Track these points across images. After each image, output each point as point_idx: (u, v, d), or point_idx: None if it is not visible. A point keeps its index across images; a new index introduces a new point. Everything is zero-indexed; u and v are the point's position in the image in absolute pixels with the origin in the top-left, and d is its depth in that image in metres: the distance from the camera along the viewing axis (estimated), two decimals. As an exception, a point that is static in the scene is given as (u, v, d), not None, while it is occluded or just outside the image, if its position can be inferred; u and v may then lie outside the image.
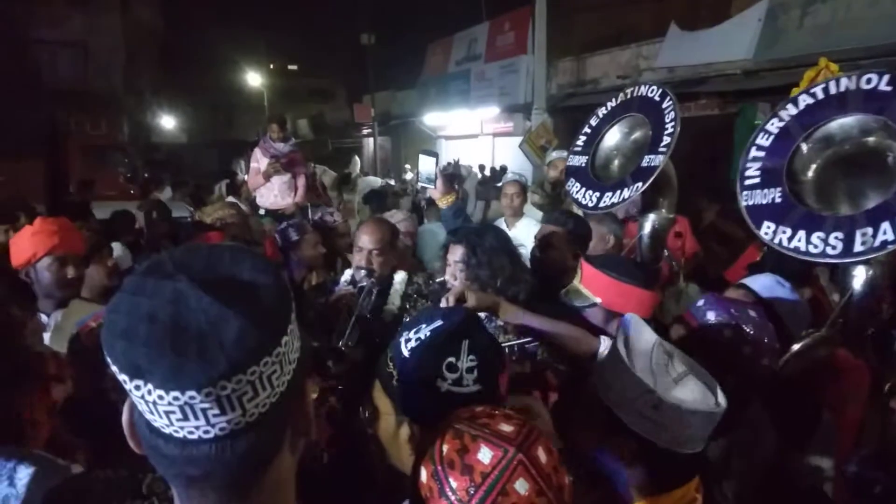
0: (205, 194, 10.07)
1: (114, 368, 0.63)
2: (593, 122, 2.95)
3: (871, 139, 2.32)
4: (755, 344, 1.66)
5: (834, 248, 2.16)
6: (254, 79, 31.96)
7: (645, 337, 1.30)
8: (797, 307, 2.25)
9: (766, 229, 2.38)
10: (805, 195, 2.41)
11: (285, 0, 36.71)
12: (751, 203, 2.49)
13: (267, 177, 6.08)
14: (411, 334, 1.26)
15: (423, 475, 0.96)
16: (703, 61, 11.02)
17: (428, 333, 1.25)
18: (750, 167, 2.56)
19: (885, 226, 2.09)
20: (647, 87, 2.77)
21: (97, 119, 15.57)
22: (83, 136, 14.59)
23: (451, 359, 1.22)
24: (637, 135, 2.79)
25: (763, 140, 2.59)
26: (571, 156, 3.00)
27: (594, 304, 1.91)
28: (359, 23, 22.52)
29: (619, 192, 2.69)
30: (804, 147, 2.46)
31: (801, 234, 2.27)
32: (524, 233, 3.61)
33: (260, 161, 6.14)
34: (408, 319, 2.41)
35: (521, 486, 0.91)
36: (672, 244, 4.33)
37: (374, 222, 2.84)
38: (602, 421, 1.25)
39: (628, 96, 2.84)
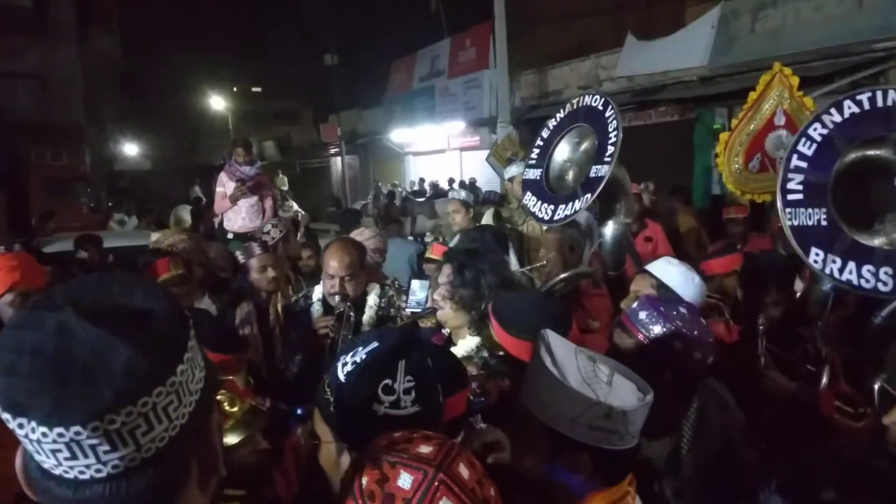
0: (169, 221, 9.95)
1: None
2: (545, 133, 2.98)
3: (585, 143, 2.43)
4: (686, 339, 1.71)
5: (885, 284, 2.10)
6: (217, 102, 31.73)
7: (565, 349, 1.31)
8: (691, 287, 2.34)
9: (815, 256, 2.24)
10: (848, 215, 2.26)
11: (246, 23, 36.57)
12: (796, 224, 2.31)
13: (234, 200, 6.05)
14: (348, 358, 1.22)
15: None
16: (661, 69, 11.27)
17: (363, 356, 1.21)
18: (792, 179, 2.35)
19: (570, 205, 2.17)
20: (591, 96, 2.81)
21: (58, 150, 15.27)
22: (44, 168, 14.31)
23: (388, 381, 1.17)
24: (586, 145, 2.84)
25: (805, 148, 2.36)
26: (527, 169, 3.04)
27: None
28: (321, 43, 22.55)
29: (570, 204, 2.70)
30: (847, 161, 2.29)
31: (852, 265, 2.16)
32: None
33: (226, 185, 6.11)
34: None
35: None
36: (642, 249, 4.42)
37: (341, 246, 2.75)
38: (546, 440, 1.24)
39: (574, 107, 2.87)
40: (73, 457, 0.60)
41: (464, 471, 0.94)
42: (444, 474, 0.91)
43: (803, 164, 2.35)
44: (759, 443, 1.99)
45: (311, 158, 27.69)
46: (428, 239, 6.63)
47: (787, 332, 2.60)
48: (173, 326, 0.66)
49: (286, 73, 33.45)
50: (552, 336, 1.34)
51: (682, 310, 1.81)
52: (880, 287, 2.11)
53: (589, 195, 2.60)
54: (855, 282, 2.17)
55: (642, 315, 1.77)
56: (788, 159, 2.41)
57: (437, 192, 15.92)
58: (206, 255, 4.10)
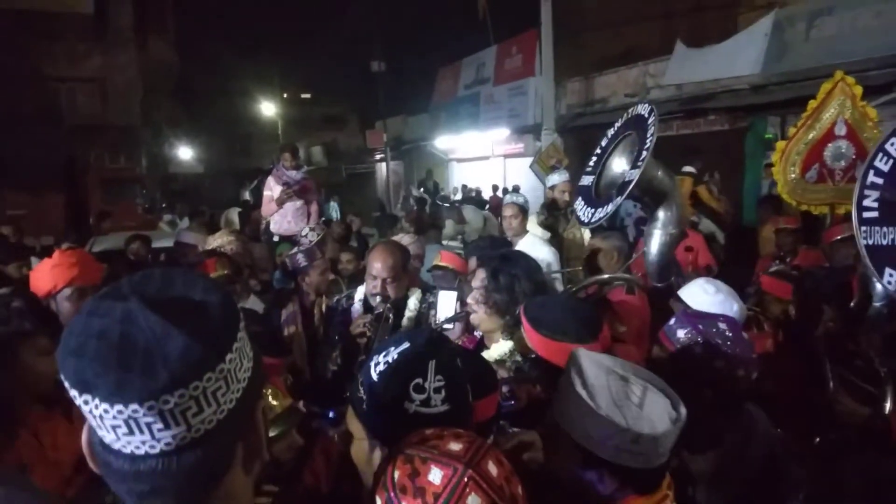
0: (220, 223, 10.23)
1: (66, 384, 0.67)
2: (603, 142, 3.01)
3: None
4: (727, 357, 1.68)
5: (588, 218, 2.26)
6: (268, 108, 32.45)
7: (596, 369, 1.29)
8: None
9: (889, 277, 2.16)
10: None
11: (297, 31, 37.38)
12: (870, 243, 2.23)
13: (280, 203, 6.18)
14: (380, 357, 1.26)
15: (378, 503, 0.97)
16: (711, 77, 11.05)
17: (395, 356, 1.24)
18: (868, 196, 2.26)
19: (604, 208, 2.13)
20: (642, 105, 2.81)
21: (115, 152, 15.92)
22: (102, 170, 14.91)
23: (419, 380, 1.21)
24: (635, 153, 2.86)
25: (882, 163, 2.26)
26: (583, 176, 3.06)
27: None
28: (369, 51, 22.87)
29: (605, 206, 2.73)
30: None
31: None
32: (527, 251, 3.65)
33: (273, 189, 6.25)
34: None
35: (474, 501, 0.92)
36: (682, 258, 4.35)
37: (385, 249, 2.80)
38: (577, 452, 1.24)
39: (629, 115, 2.89)
40: (131, 432, 0.66)
41: (492, 468, 0.97)
42: (473, 471, 0.94)
43: (879, 181, 2.25)
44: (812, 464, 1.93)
45: (357, 164, 28.07)
46: (453, 244, 6.64)
47: (843, 352, 2.50)
48: (226, 319, 0.72)
49: (334, 80, 34.07)
50: (584, 355, 1.32)
51: (722, 326, 1.77)
52: None
53: (619, 197, 2.61)
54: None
55: (680, 333, 1.74)
56: (865, 175, 2.30)
57: (465, 198, 15.96)
58: (251, 256, 4.22)
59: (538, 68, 14.40)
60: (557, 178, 5.18)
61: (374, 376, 1.24)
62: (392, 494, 0.95)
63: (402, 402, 1.20)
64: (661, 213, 2.72)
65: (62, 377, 0.67)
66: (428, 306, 2.82)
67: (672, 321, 1.83)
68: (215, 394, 0.69)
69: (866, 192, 2.28)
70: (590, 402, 1.21)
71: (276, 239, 6.26)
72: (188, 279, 0.74)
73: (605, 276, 2.89)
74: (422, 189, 18.53)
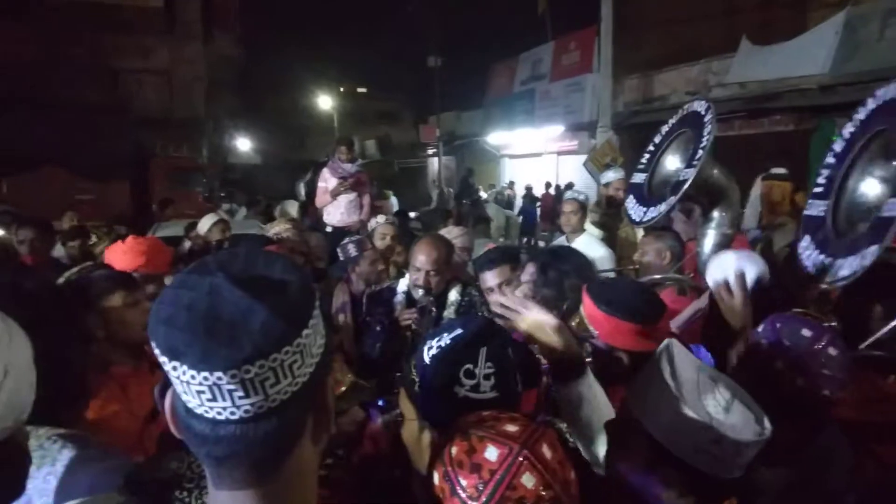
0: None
1: (156, 351, 0.71)
2: (656, 139, 2.92)
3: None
4: (813, 374, 1.56)
5: (821, 274, 2.17)
6: (324, 102, 33.04)
7: (687, 363, 1.24)
8: None
9: (804, 242, 2.38)
10: (847, 210, 2.32)
11: (354, 26, 37.86)
12: (807, 213, 2.46)
13: (334, 195, 6.30)
14: (433, 342, 1.30)
15: (436, 478, 1.01)
16: (776, 76, 10.70)
17: (448, 341, 1.28)
18: (821, 174, 2.45)
19: (850, 261, 1.99)
20: (699, 102, 2.73)
21: (179, 143, 16.52)
22: (166, 159, 15.47)
23: (469, 365, 1.24)
24: (690, 151, 2.76)
25: (837, 147, 2.46)
26: (635, 173, 2.99)
27: (594, 337, 1.77)
28: (424, 46, 23.02)
29: (658, 206, 2.66)
30: (859, 159, 2.31)
31: (815, 254, 2.28)
32: (583, 249, 3.64)
33: (328, 181, 6.38)
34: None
35: (528, 480, 0.95)
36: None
37: (430, 242, 2.84)
38: (647, 449, 1.19)
39: (684, 112, 2.81)
40: (214, 399, 0.71)
41: (546, 451, 1.00)
42: (529, 451, 0.98)
43: (832, 161, 2.42)
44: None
45: (410, 158, 28.30)
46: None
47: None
48: (303, 296, 0.76)
49: (390, 75, 34.53)
50: (677, 347, 1.28)
51: (807, 332, 1.62)
52: (816, 273, 2.21)
53: (673, 197, 2.54)
54: (808, 266, 2.27)
55: (763, 342, 1.64)
56: (825, 157, 2.48)
57: (497, 196, 16.03)
58: (307, 244, 4.32)
59: (596, 65, 14.23)
60: (613, 175, 5.12)
61: (427, 360, 1.28)
62: (449, 469, 0.99)
63: (453, 386, 1.23)
64: (716, 214, 2.65)
65: (153, 344, 0.72)
66: (470, 300, 2.85)
67: (760, 328, 1.71)
68: (291, 366, 0.73)
69: (822, 170, 2.45)
70: (677, 392, 1.16)
71: (328, 229, 6.38)
72: (269, 259, 0.78)
73: (657, 276, 2.84)
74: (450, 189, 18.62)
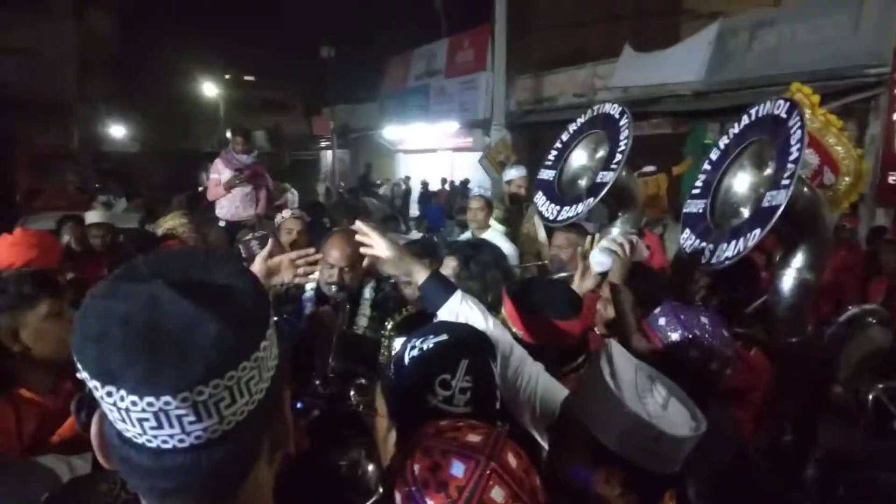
0: (158, 206, 9.85)
1: (84, 375, 0.61)
2: (564, 137, 3.01)
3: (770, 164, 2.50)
4: (703, 349, 1.73)
5: (704, 257, 2.48)
6: (209, 89, 31.45)
7: (627, 363, 1.27)
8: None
9: (685, 234, 2.68)
10: (721, 207, 2.65)
11: (243, 11, 36.33)
12: (686, 211, 2.76)
13: (228, 188, 6.03)
14: (417, 342, 1.25)
15: (398, 498, 0.95)
16: (656, 82, 11.36)
17: (431, 345, 1.23)
18: (699, 178, 2.81)
19: (733, 244, 2.32)
20: (611, 105, 2.86)
21: (45, 127, 15.12)
22: (31, 146, 14.15)
23: (446, 376, 1.19)
24: (601, 152, 2.88)
25: (713, 155, 2.82)
26: (542, 169, 3.06)
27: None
28: (317, 36, 22.51)
29: (574, 206, 2.77)
30: (734, 164, 2.68)
31: (696, 242, 2.57)
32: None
33: (222, 172, 6.10)
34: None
35: (497, 494, 0.92)
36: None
37: (342, 237, 2.72)
38: (589, 449, 1.20)
39: (595, 113, 2.92)
40: (159, 426, 0.61)
41: (512, 460, 0.97)
42: (496, 463, 0.94)
43: (709, 168, 2.78)
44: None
45: (302, 150, 27.55)
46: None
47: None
48: (257, 303, 0.67)
49: (279, 64, 33.27)
50: (615, 347, 1.30)
51: (704, 319, 1.82)
52: (702, 259, 2.51)
53: (591, 199, 2.64)
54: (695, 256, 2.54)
55: (662, 321, 1.80)
56: (701, 164, 2.85)
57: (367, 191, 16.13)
58: (205, 240, 4.09)
59: (490, 63, 14.49)
60: (515, 172, 5.24)
61: (406, 360, 1.22)
62: (414, 489, 0.93)
63: (425, 394, 1.18)
64: (622, 213, 2.80)
65: (80, 366, 0.61)
66: (384, 295, 2.81)
67: (657, 311, 1.87)
68: (248, 383, 0.64)
69: (699, 175, 2.81)
70: (617, 392, 1.17)
71: (221, 224, 6.10)
72: (211, 261, 0.69)
73: (563, 274, 2.93)
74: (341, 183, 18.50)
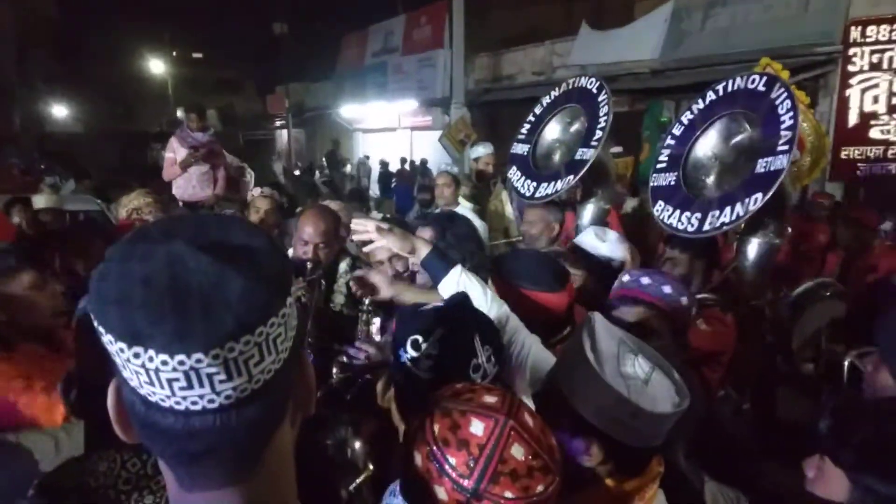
0: (109, 187, 9.51)
1: (107, 338, 0.59)
2: (537, 110, 2.99)
3: (748, 135, 2.58)
4: (677, 309, 1.84)
5: (692, 225, 2.55)
6: (156, 67, 30.45)
7: (609, 336, 1.27)
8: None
9: (658, 206, 2.74)
10: (692, 179, 2.74)
11: (189, -15, 35.08)
12: (655, 185, 2.82)
13: (184, 167, 5.84)
14: (422, 352, 1.27)
15: (418, 458, 0.96)
16: (613, 60, 11.47)
17: (424, 308, 1.29)
18: (662, 153, 2.86)
19: (727, 210, 2.41)
20: (587, 78, 2.85)
21: (-18, 108, 14.40)
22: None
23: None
24: (577, 126, 2.87)
25: (676, 130, 2.87)
26: (516, 143, 3.05)
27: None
28: (269, 12, 21.92)
29: (553, 183, 2.78)
30: (702, 138, 2.75)
31: (677, 213, 2.63)
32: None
33: (177, 151, 5.89)
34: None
35: (518, 451, 0.93)
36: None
37: (317, 213, 2.71)
38: (567, 420, 1.21)
39: (570, 87, 2.91)
40: (189, 386, 0.60)
41: (529, 419, 0.98)
42: (514, 421, 0.95)
43: (672, 143, 2.84)
44: None
45: (256, 130, 26.96)
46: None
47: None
48: (278, 260, 0.65)
49: (230, 41, 32.38)
50: (599, 320, 1.30)
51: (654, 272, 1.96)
52: (688, 228, 2.59)
53: (572, 177, 2.64)
54: (674, 224, 2.63)
55: (667, 289, 1.87)
56: (664, 139, 2.90)
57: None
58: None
59: (447, 41, 14.37)
60: (482, 150, 5.23)
61: (422, 374, 1.26)
62: (435, 448, 0.94)
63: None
64: (597, 189, 2.82)
65: (101, 330, 0.59)
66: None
67: (627, 277, 1.98)
68: (276, 340, 0.63)
69: (662, 150, 2.87)
70: (596, 366, 1.18)
71: (179, 205, 5.94)
72: (222, 223, 0.66)
73: (547, 249, 2.97)
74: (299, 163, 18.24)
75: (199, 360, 0.58)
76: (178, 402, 0.61)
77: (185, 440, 0.62)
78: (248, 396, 0.62)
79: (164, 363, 0.58)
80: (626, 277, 1.98)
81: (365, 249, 2.01)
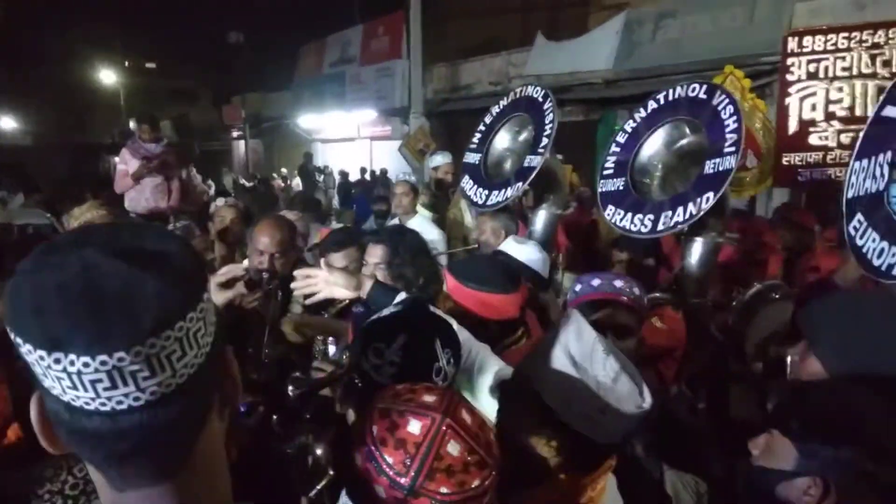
0: (59, 201, 9.24)
1: (26, 348, 0.59)
2: (487, 119, 3.06)
3: (690, 140, 2.71)
4: (635, 299, 1.95)
5: (645, 226, 2.65)
6: (107, 76, 29.72)
7: (586, 334, 1.30)
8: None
9: (609, 211, 2.85)
10: (639, 184, 2.86)
11: (142, -6, 34.35)
12: (603, 190, 2.92)
13: (137, 178, 5.75)
14: (385, 359, 1.31)
15: (358, 458, 0.99)
16: (568, 70, 11.68)
17: (385, 313, 1.33)
18: (608, 160, 2.98)
19: (679, 210, 2.54)
20: (533, 87, 2.93)
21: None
22: None
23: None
24: (525, 134, 2.94)
25: (621, 138, 2.99)
26: (468, 153, 3.10)
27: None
28: (224, 21, 21.66)
29: (503, 191, 2.85)
30: (645, 144, 2.88)
31: (629, 215, 2.74)
32: (417, 230, 3.72)
33: (129, 163, 5.80)
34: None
35: (454, 448, 0.96)
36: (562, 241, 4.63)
37: (272, 224, 2.72)
38: (534, 413, 1.23)
39: (517, 95, 2.98)
40: (114, 386, 0.60)
41: (466, 416, 1.02)
42: (451, 419, 0.99)
43: (618, 150, 2.98)
44: None
45: (212, 141, 26.54)
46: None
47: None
48: (191, 262, 0.67)
49: (184, 50, 31.76)
50: (577, 318, 1.33)
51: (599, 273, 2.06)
52: (642, 229, 2.70)
53: (521, 184, 2.70)
54: (627, 226, 2.75)
55: (618, 283, 1.94)
56: (608, 147, 3.05)
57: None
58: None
59: (405, 51, 14.42)
60: (441, 158, 5.28)
61: (385, 381, 1.28)
62: (373, 448, 0.96)
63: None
64: (548, 195, 2.88)
65: (19, 341, 0.59)
66: None
67: (597, 282, 2.07)
68: (196, 335, 0.65)
69: (608, 157, 3.00)
70: (569, 362, 1.22)
71: (132, 216, 5.82)
72: (135, 230, 0.67)
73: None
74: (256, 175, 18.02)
75: (121, 359, 0.59)
76: (103, 404, 0.61)
77: (114, 441, 0.63)
78: (174, 392, 0.64)
79: (86, 365, 0.59)
80: (577, 286, 2.04)
81: (307, 302, 2.09)
